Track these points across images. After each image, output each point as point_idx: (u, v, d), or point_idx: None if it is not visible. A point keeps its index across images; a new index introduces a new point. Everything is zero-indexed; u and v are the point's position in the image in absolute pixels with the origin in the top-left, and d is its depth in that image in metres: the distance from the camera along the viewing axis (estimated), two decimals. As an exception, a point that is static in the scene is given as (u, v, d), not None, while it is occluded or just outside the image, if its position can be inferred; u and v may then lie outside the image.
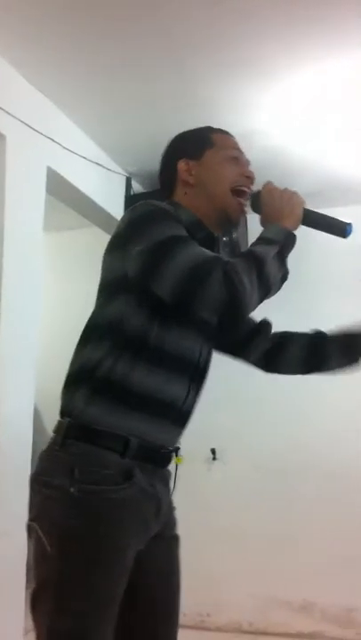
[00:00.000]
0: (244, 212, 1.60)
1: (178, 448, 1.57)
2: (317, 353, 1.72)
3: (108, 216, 3.60)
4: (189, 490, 3.97)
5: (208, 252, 1.39)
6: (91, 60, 2.69)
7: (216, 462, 4.03)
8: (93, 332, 1.45)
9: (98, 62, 2.69)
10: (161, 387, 1.42)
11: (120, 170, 3.67)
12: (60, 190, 3.18)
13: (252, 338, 1.74)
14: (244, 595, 3.84)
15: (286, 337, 1.77)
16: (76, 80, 2.84)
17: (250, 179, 1.59)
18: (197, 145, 1.60)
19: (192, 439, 4.09)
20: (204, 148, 1.59)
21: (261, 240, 1.45)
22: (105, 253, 1.49)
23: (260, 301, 1.40)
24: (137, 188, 3.81)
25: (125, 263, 1.40)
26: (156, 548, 1.47)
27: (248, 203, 1.59)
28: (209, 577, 3.87)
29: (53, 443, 1.40)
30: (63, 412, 1.43)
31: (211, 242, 1.57)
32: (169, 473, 1.56)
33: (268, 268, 1.38)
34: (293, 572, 3.77)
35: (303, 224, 1.53)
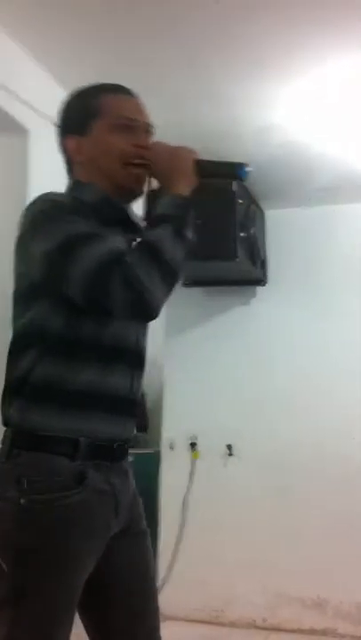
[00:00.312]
0: (145, 180, 1.49)
1: (130, 440, 1.50)
2: None
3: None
4: (205, 485, 4.02)
5: (106, 250, 1.30)
6: (110, 56, 2.69)
7: (232, 458, 4.03)
8: (18, 342, 1.39)
9: (117, 58, 2.70)
10: (100, 381, 1.37)
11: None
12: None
13: None
14: (258, 591, 3.84)
15: None
16: (98, 74, 2.84)
17: (142, 148, 1.46)
18: (83, 118, 1.47)
19: (208, 435, 4.14)
20: (90, 120, 1.46)
21: (155, 220, 1.37)
22: (14, 255, 1.43)
23: (171, 287, 1.34)
24: (155, 183, 3.80)
25: (30, 268, 1.36)
26: (123, 545, 1.43)
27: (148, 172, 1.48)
28: (223, 572, 3.89)
29: (1, 454, 1.35)
30: (5, 423, 1.38)
31: (123, 216, 1.50)
32: (128, 465, 1.51)
33: (166, 254, 1.30)
34: (307, 569, 3.77)
35: (200, 177, 1.45)
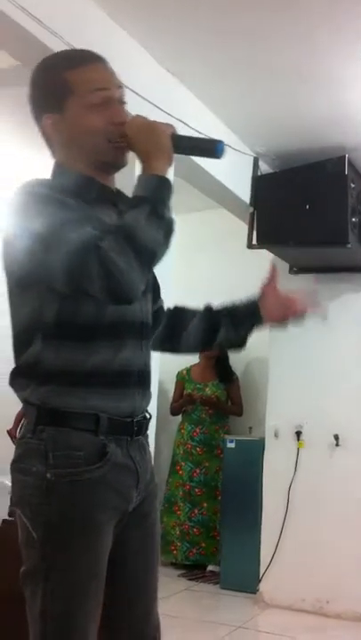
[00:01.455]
0: (127, 151, 1.46)
1: (148, 414, 1.52)
2: (210, 329, 1.66)
3: (235, 197, 3.59)
4: (311, 476, 3.96)
5: (81, 239, 1.28)
6: (217, 38, 2.67)
7: (339, 449, 3.95)
8: (22, 335, 1.41)
9: (224, 39, 2.68)
10: (112, 358, 1.39)
11: (248, 150, 3.64)
12: (188, 173, 3.21)
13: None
14: (365, 584, 3.76)
15: (177, 317, 1.68)
16: (204, 60, 2.85)
17: (120, 125, 1.42)
18: (56, 95, 1.42)
19: (315, 424, 4.07)
20: (64, 97, 1.42)
21: (132, 201, 1.35)
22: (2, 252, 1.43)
23: (149, 270, 1.35)
24: (264, 168, 3.77)
25: (14, 260, 1.36)
26: (133, 524, 1.46)
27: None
28: (330, 564, 3.83)
29: (26, 430, 1.40)
30: (27, 400, 1.41)
31: (109, 195, 1.48)
32: (146, 441, 1.52)
33: (142, 236, 1.29)
34: None
35: (175, 152, 1.42)
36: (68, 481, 1.34)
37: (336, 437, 3.94)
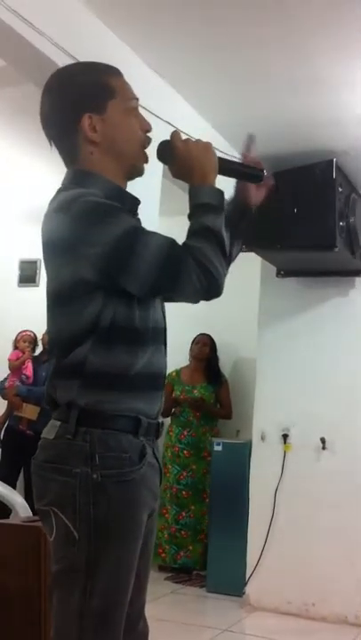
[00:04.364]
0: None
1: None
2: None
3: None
4: (297, 479, 3.97)
5: (166, 241, 1.37)
6: (207, 42, 2.68)
7: (325, 452, 3.96)
8: (69, 341, 1.41)
9: (214, 43, 2.68)
10: (150, 362, 1.45)
11: (236, 153, 3.65)
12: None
13: None
14: (351, 587, 3.77)
15: None
16: (193, 63, 2.85)
17: (147, 132, 1.52)
18: (99, 95, 1.45)
19: (301, 427, 4.08)
20: (107, 98, 1.45)
21: (205, 208, 1.43)
22: (46, 260, 1.44)
23: (227, 270, 1.45)
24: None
25: (78, 268, 1.37)
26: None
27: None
28: (315, 566, 3.84)
29: (64, 431, 1.40)
30: (67, 402, 1.41)
31: (136, 205, 1.54)
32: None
33: (224, 240, 1.41)
34: None
35: (218, 174, 1.51)
36: (115, 481, 1.38)
37: (323, 441, 3.95)
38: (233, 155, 3.57)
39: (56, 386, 1.44)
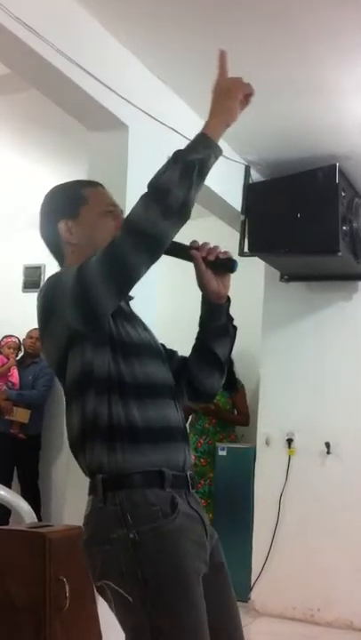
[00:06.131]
0: None
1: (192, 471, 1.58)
2: (209, 356, 1.66)
3: (227, 205, 3.60)
4: (302, 483, 3.96)
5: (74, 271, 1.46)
6: (209, 46, 2.68)
7: (330, 456, 3.95)
8: (73, 392, 1.49)
9: (216, 49, 2.69)
10: (158, 414, 1.48)
11: (239, 158, 3.66)
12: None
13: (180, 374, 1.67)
14: (357, 592, 3.75)
15: (185, 363, 1.69)
16: (197, 68, 2.84)
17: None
18: (72, 204, 1.64)
19: (306, 432, 4.07)
20: (79, 205, 1.63)
21: (173, 156, 1.53)
22: (41, 327, 1.55)
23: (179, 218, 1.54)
24: (255, 176, 3.78)
25: (65, 322, 1.47)
26: (212, 575, 1.49)
27: None
28: (320, 571, 3.83)
29: (96, 502, 1.44)
30: (92, 472, 1.47)
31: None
32: (197, 495, 1.58)
33: (160, 189, 1.51)
34: None
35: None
36: (152, 536, 1.38)
37: (327, 445, 3.95)
38: (233, 157, 3.59)
39: (77, 455, 1.50)
